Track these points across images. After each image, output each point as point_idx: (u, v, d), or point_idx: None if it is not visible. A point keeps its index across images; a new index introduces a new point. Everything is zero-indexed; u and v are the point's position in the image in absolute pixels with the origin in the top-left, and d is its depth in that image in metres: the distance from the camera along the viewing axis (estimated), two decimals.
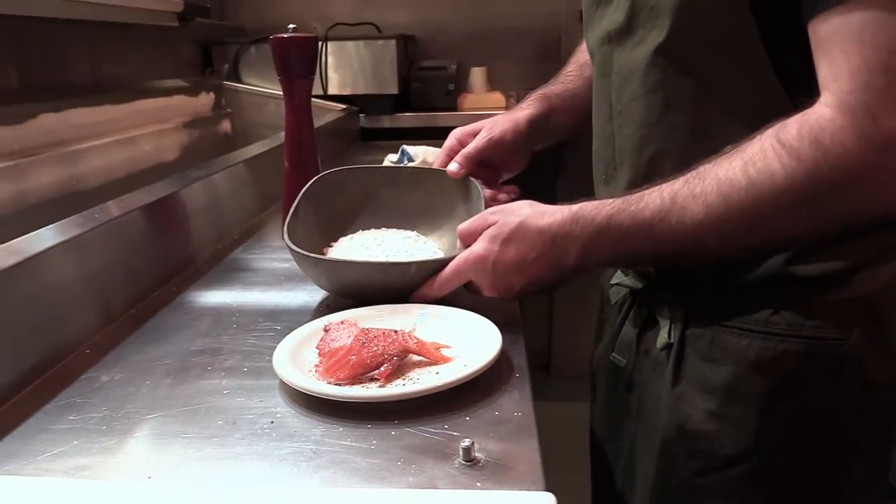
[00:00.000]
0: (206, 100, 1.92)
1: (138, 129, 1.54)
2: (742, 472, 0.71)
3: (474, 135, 0.94)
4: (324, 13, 2.38)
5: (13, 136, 1.17)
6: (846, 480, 0.72)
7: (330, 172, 0.94)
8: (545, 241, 0.69)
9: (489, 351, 0.61)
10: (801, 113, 0.59)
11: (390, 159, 1.58)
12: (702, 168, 0.64)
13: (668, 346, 0.75)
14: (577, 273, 0.70)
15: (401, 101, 2.18)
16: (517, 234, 0.70)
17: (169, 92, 1.73)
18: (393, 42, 2.10)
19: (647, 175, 0.71)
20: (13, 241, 0.68)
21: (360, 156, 2.02)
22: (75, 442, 0.55)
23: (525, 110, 0.95)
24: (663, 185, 0.65)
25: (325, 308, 0.80)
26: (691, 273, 0.72)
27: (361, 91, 2.14)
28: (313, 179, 0.92)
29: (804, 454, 0.71)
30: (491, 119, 0.95)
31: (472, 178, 0.90)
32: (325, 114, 2.07)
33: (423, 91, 2.19)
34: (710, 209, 0.62)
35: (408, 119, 2.18)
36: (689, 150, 0.68)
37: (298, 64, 1.00)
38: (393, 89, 2.12)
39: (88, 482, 0.49)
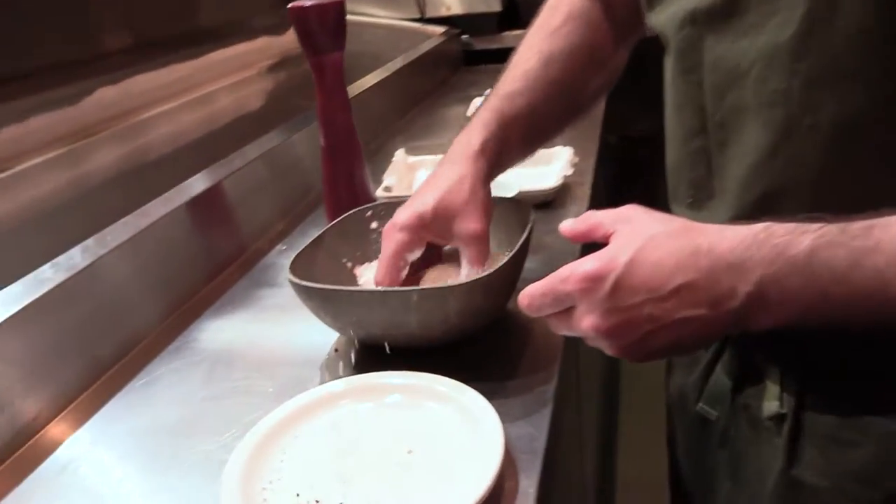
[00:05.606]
0: (294, 36, 1.80)
1: (215, 84, 1.45)
2: None
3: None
4: None
5: (71, 116, 1.11)
6: None
7: (359, 210, 0.79)
8: (701, 265, 0.46)
9: (479, 476, 0.47)
10: None
11: (476, 104, 1.43)
12: None
13: (778, 417, 0.58)
14: (732, 329, 0.48)
15: (507, 18, 1.96)
16: (658, 248, 0.48)
17: (249, 34, 1.62)
18: None
19: (760, 216, 0.48)
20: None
21: (463, 86, 1.85)
22: None
23: (478, 161, 0.67)
24: (891, 218, 0.44)
25: (334, 353, 0.69)
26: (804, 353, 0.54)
27: (462, 10, 1.93)
28: (342, 217, 0.78)
29: None
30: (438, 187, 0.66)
31: (529, 209, 0.72)
32: (424, 40, 1.91)
33: (533, 3, 1.94)
34: None
35: (516, 38, 1.96)
36: (816, 194, 0.50)
37: (322, 36, 0.86)
38: (496, 6, 1.91)
39: None
